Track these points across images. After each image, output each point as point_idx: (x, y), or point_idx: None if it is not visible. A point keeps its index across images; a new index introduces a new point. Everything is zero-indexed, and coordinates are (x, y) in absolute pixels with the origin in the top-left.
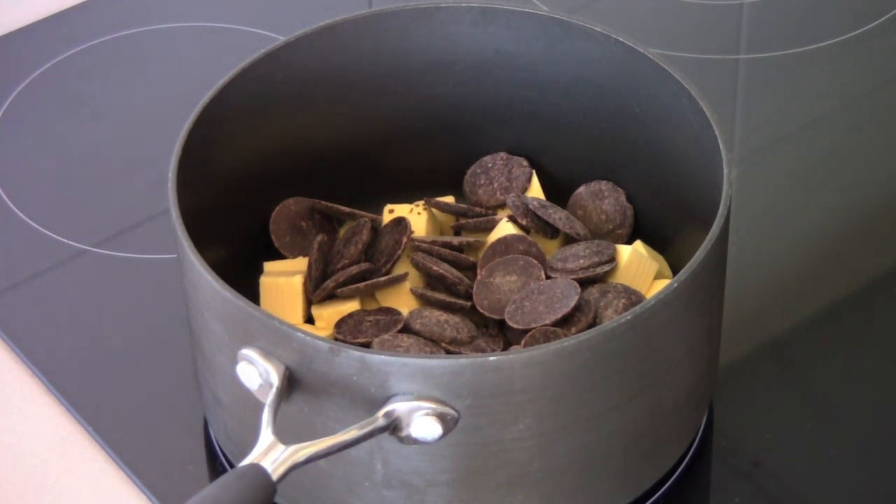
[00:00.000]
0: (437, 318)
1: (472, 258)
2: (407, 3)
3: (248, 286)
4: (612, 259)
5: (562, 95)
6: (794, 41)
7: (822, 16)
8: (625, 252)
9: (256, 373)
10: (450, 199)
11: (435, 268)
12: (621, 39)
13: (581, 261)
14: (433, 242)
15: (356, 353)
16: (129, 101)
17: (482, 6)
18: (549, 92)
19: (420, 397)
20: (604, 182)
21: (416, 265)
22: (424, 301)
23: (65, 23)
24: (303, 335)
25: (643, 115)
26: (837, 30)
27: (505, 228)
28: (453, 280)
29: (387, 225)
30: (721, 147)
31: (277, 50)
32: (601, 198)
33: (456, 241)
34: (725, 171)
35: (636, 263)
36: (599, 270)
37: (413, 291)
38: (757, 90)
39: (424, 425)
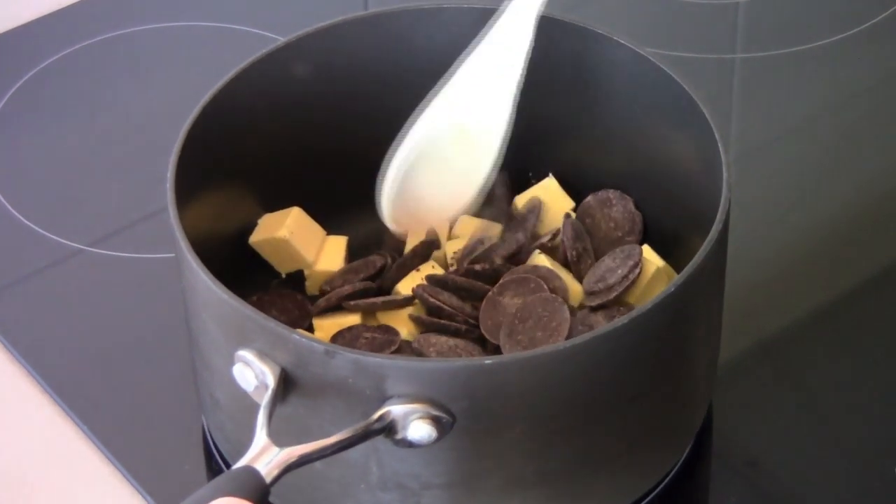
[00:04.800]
0: (447, 345)
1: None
2: (408, 3)
3: (247, 287)
4: (640, 256)
5: (562, 97)
6: (790, 40)
7: (819, 15)
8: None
9: (252, 374)
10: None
11: (432, 299)
12: (621, 40)
13: (619, 270)
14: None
15: (351, 356)
16: (128, 100)
17: (483, 7)
18: (549, 93)
19: (415, 400)
20: (611, 190)
21: (418, 297)
22: (422, 326)
23: (63, 21)
24: (298, 337)
25: (643, 116)
26: (834, 29)
27: (538, 261)
28: (450, 312)
29: (416, 247)
30: (720, 150)
31: (277, 50)
32: (609, 205)
33: (479, 266)
34: (725, 174)
35: (656, 278)
36: (635, 274)
37: (411, 318)
38: (753, 89)
39: (420, 428)
